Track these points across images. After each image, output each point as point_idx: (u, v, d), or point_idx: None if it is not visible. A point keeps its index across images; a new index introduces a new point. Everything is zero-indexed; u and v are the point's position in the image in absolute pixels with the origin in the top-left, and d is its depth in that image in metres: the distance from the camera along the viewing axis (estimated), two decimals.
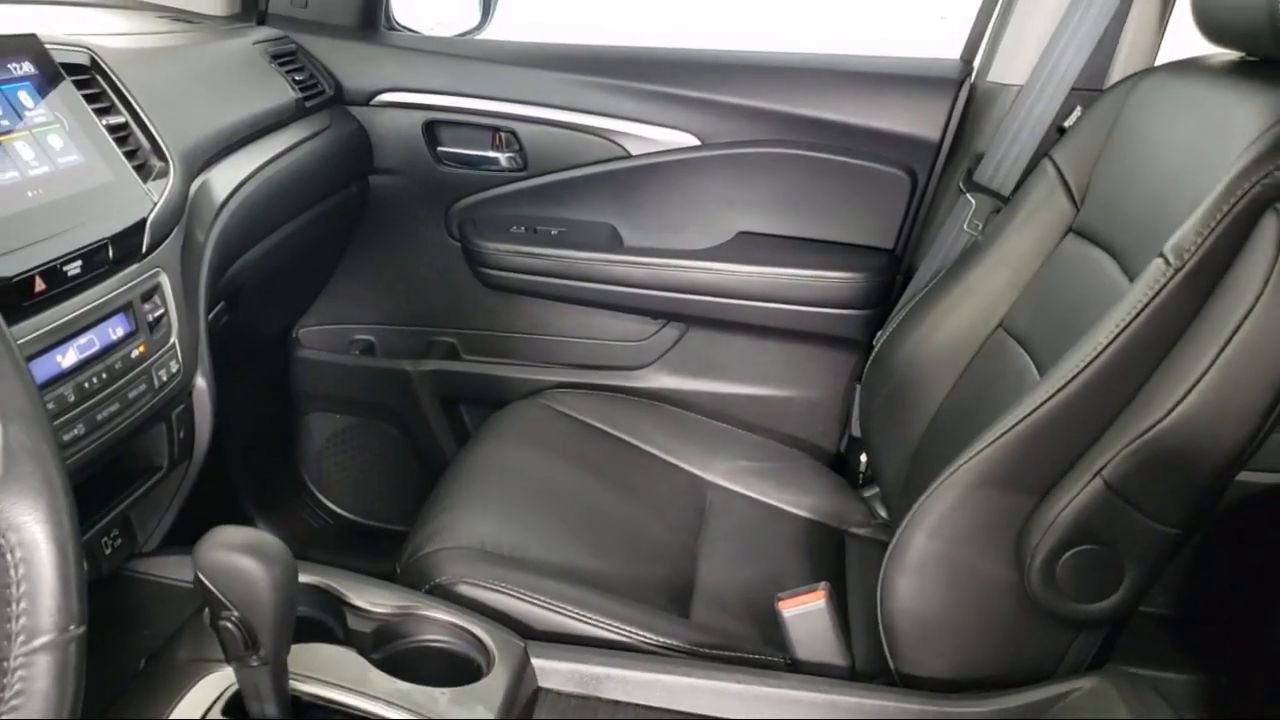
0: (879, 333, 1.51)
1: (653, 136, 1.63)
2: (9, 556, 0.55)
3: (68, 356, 0.82)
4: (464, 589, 1.08)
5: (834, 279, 1.59)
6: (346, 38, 1.66)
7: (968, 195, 1.46)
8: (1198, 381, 0.86)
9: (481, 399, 1.76)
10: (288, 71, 1.48)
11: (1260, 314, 0.84)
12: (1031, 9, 1.47)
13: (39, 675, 0.54)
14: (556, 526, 1.24)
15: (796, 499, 1.45)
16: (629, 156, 1.64)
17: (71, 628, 0.55)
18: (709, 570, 1.28)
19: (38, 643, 0.54)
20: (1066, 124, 1.38)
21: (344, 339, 1.81)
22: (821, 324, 1.62)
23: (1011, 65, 1.49)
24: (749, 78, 1.60)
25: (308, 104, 1.48)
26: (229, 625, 0.78)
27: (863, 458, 1.57)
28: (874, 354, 1.46)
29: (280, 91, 1.42)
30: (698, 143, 1.63)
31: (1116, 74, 1.39)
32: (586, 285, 1.66)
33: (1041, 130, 1.42)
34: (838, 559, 1.35)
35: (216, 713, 0.85)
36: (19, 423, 0.55)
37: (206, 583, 0.77)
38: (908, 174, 1.58)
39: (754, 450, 1.57)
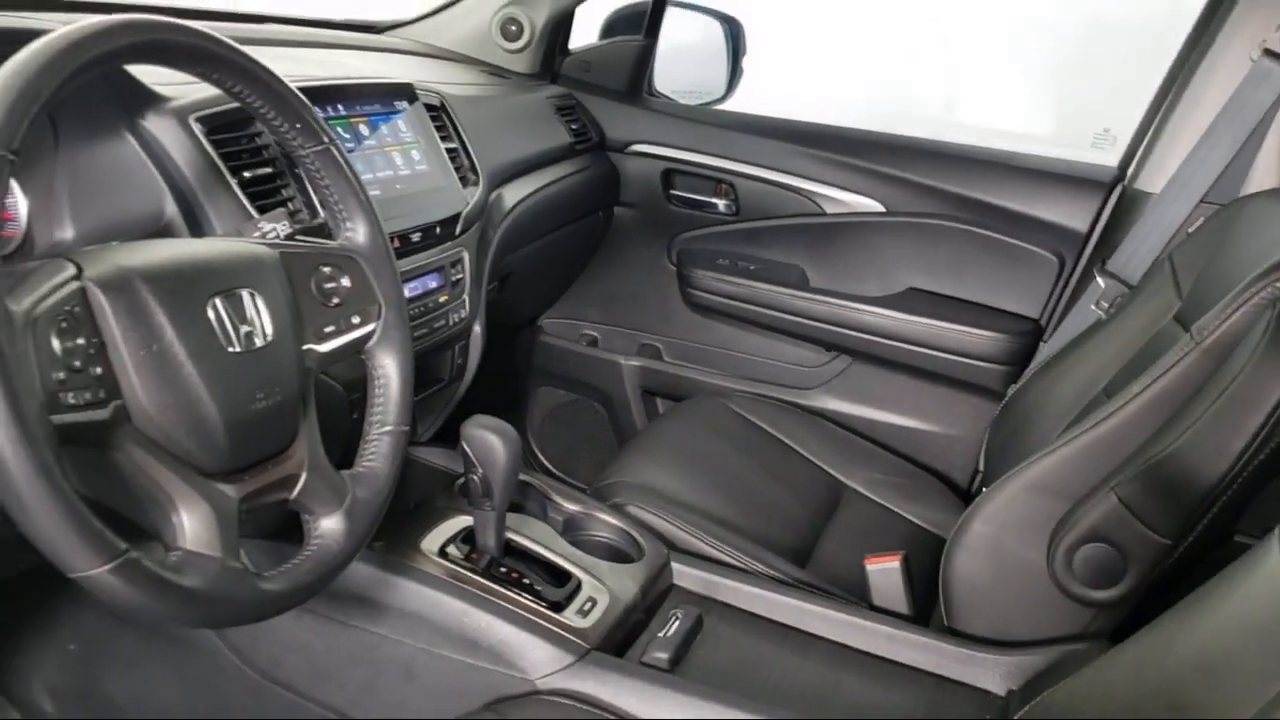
0: (1013, 385, 1.79)
1: (845, 200, 1.99)
2: (377, 382, 0.98)
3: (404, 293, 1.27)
4: (631, 509, 1.46)
5: (983, 336, 1.89)
6: (615, 99, 2.11)
7: (1099, 280, 1.73)
8: (1193, 424, 1.14)
9: (674, 394, 2.15)
10: (566, 121, 1.93)
11: (1244, 380, 1.10)
12: (1179, 129, 1.73)
13: (384, 447, 0.96)
14: (709, 483, 1.60)
15: (918, 511, 1.74)
16: (823, 214, 2.00)
17: (403, 426, 0.98)
18: (826, 545, 1.60)
19: (385, 429, 0.97)
20: (1191, 230, 1.64)
21: (576, 331, 2.25)
22: (968, 373, 1.92)
23: (1155, 174, 1.75)
24: (932, 161, 1.93)
25: (577, 147, 1.93)
26: (474, 479, 1.20)
27: (984, 490, 1.85)
28: (1004, 402, 1.75)
29: (559, 135, 1.88)
30: (883, 209, 1.97)
31: (1247, 191, 1.63)
32: (774, 314, 2.03)
33: (1169, 233, 1.67)
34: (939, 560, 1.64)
35: (457, 540, 1.27)
36: (394, 309, 0.98)
37: (466, 447, 1.19)
38: (1057, 257, 1.86)
39: (892, 468, 1.88)
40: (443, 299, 1.34)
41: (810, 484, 1.74)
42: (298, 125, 0.93)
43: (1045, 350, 1.83)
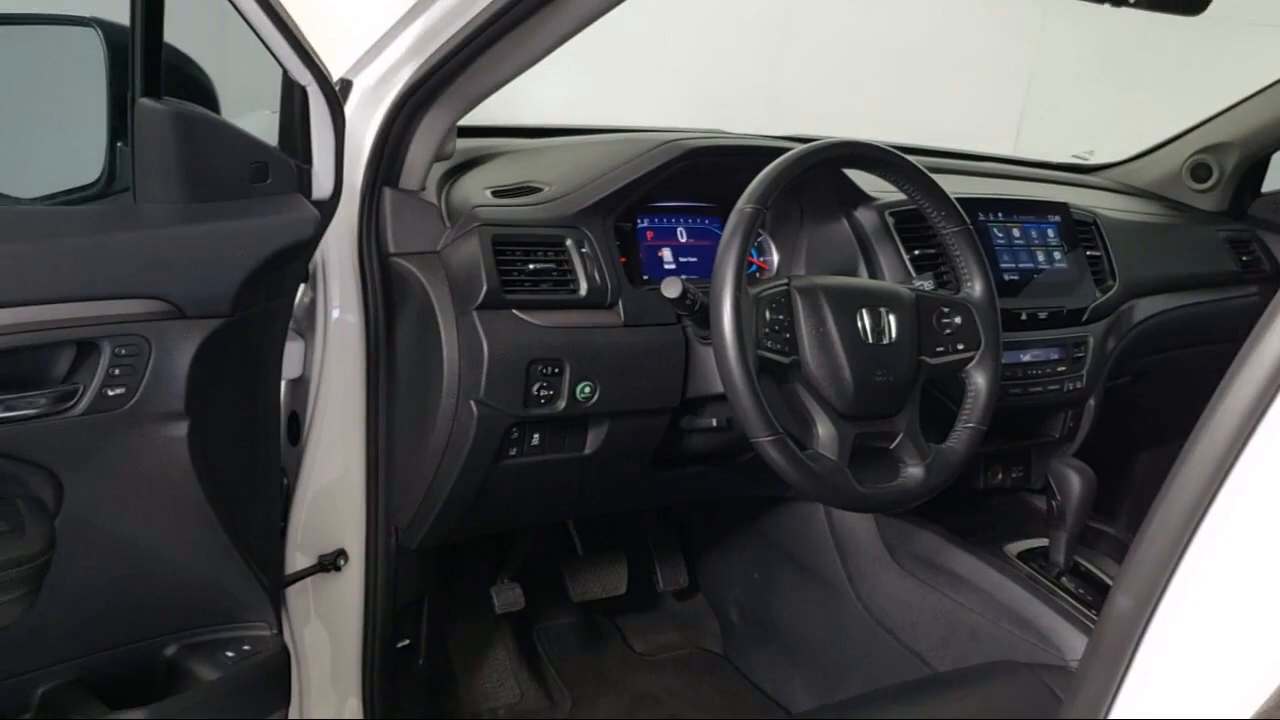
0: None
1: None
2: (969, 393, 1.38)
3: (1024, 355, 1.65)
4: None
5: None
6: None
7: None
8: None
9: None
10: (1237, 253, 2.12)
11: None
12: None
13: (964, 435, 1.36)
14: None
15: None
16: None
17: (982, 426, 1.36)
18: None
19: (968, 425, 1.36)
20: None
21: None
22: None
23: None
24: None
25: (1245, 276, 2.10)
26: (1053, 504, 1.53)
27: None
28: None
29: (1224, 264, 2.08)
30: None
31: None
32: None
33: None
34: None
35: (1035, 552, 1.59)
36: (991, 347, 1.38)
37: (1050, 477, 1.53)
38: None
39: None
40: (1060, 369, 1.69)
41: None
42: (943, 213, 1.40)
43: None
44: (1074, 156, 2.45)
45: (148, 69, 1.06)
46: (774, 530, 1.88)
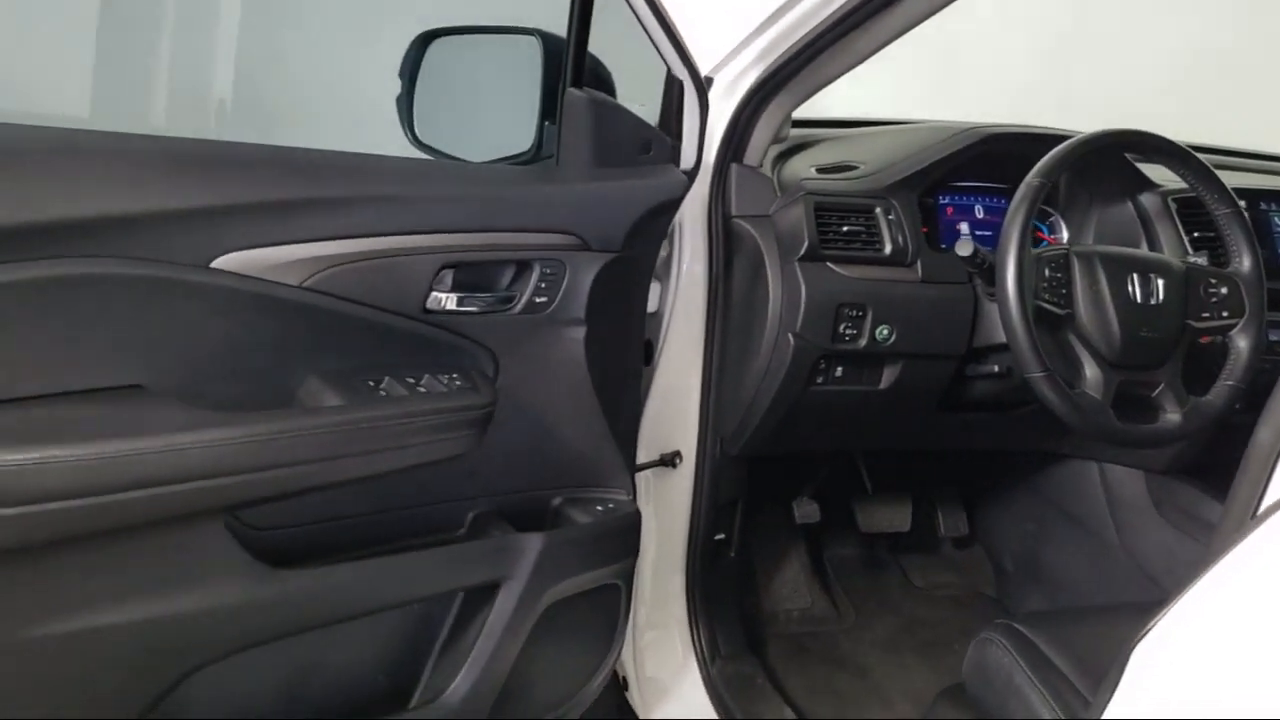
0: None
1: None
2: (1231, 355, 1.54)
3: None
4: None
5: None
6: None
7: None
8: None
9: None
10: None
11: None
12: None
13: (1223, 392, 1.52)
14: None
15: None
16: None
17: (1241, 385, 1.53)
18: None
19: (1228, 383, 1.53)
20: None
21: None
22: None
23: None
24: None
25: None
26: None
27: None
28: None
29: None
30: None
31: None
32: None
33: None
34: None
35: None
36: (1255, 317, 1.54)
37: None
38: None
39: None
40: None
41: None
42: (1216, 196, 1.58)
43: None
44: None
45: (576, 66, 1.45)
46: (1048, 485, 2.08)
